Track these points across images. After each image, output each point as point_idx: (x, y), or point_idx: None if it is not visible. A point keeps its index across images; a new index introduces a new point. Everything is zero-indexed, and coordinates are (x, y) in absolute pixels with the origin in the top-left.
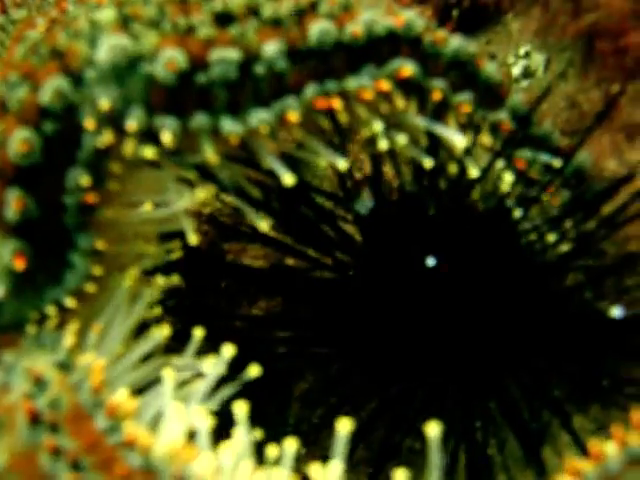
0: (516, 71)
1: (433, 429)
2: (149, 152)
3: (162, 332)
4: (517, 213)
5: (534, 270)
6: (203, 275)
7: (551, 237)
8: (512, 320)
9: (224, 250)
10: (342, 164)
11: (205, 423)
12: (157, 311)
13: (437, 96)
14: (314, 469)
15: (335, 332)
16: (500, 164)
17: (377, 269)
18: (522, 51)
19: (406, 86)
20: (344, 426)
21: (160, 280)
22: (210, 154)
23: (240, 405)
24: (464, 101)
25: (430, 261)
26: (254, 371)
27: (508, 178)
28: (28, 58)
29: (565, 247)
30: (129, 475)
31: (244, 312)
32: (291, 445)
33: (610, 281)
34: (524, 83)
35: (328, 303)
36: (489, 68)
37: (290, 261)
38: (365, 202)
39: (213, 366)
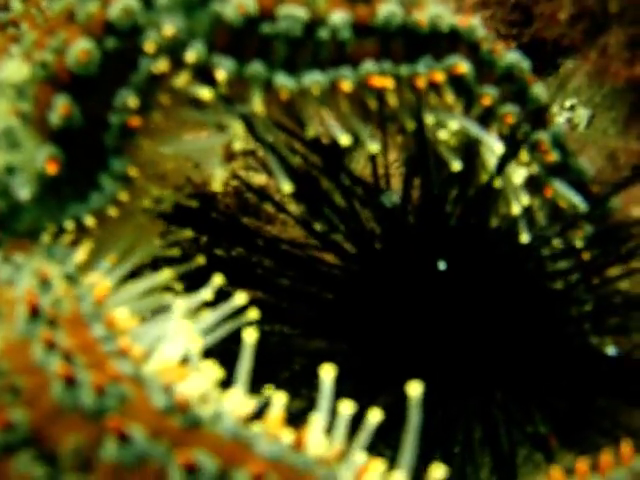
0: (559, 121)
1: (415, 389)
2: (202, 91)
3: (168, 273)
4: (525, 237)
5: (538, 295)
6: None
7: (561, 265)
8: (507, 340)
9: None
10: (373, 147)
11: (198, 348)
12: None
13: (487, 101)
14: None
15: (336, 320)
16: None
17: (389, 264)
18: (568, 103)
19: (457, 86)
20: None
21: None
22: (258, 104)
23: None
24: (510, 113)
25: (442, 265)
26: (240, 299)
27: (524, 200)
28: None
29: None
30: (117, 377)
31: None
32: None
33: (614, 320)
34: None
35: (336, 289)
36: (538, 89)
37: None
38: (391, 196)
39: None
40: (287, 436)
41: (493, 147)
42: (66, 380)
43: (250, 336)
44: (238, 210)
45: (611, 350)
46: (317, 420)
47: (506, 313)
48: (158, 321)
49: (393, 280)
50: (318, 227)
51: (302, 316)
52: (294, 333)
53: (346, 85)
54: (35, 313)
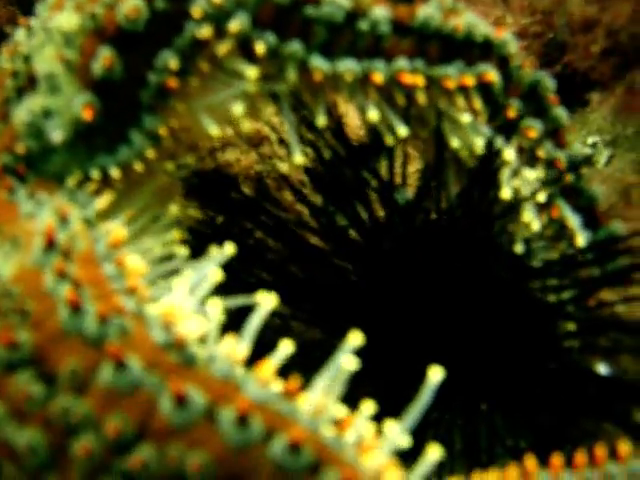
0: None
1: (435, 374)
2: (244, 66)
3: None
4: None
5: (534, 310)
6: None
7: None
8: (498, 349)
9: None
10: (403, 130)
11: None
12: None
13: (511, 113)
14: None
15: (335, 301)
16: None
17: (394, 260)
18: (590, 140)
19: (484, 95)
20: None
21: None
22: (292, 81)
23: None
24: (533, 127)
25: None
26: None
27: (528, 216)
28: None
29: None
30: (121, 310)
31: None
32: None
33: (606, 339)
34: (583, 170)
35: (341, 280)
36: (560, 110)
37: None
38: (405, 194)
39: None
40: (277, 385)
41: (506, 156)
42: (72, 306)
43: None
44: (257, 195)
45: (603, 369)
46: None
47: (501, 324)
48: (167, 274)
49: (395, 276)
50: (331, 219)
51: (306, 302)
52: (295, 316)
53: (378, 77)
54: (51, 245)
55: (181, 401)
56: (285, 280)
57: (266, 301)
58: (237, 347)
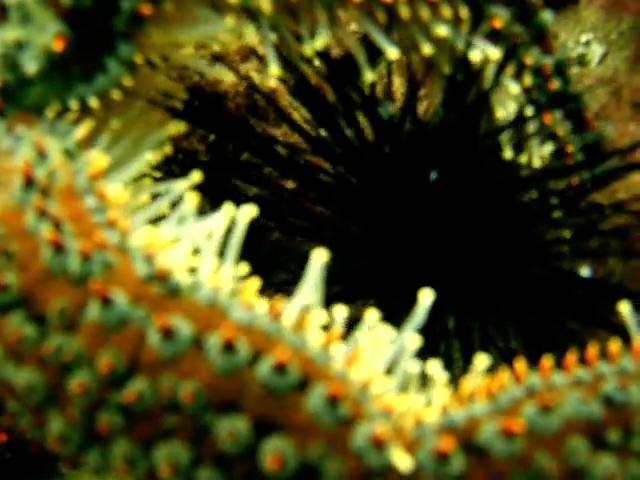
0: (572, 55)
1: (426, 295)
2: None
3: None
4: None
5: (520, 213)
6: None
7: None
8: (488, 257)
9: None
10: (393, 53)
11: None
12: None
13: (498, 24)
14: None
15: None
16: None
17: (383, 175)
18: (583, 38)
19: (468, 3)
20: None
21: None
22: (266, 3)
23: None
24: (518, 34)
25: (433, 175)
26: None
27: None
28: None
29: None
30: (103, 245)
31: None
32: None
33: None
34: (575, 69)
35: (331, 197)
36: (546, 15)
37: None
38: (388, 108)
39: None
40: (262, 305)
41: (489, 54)
42: (55, 246)
43: (245, 214)
44: (247, 111)
45: (585, 272)
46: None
47: (489, 229)
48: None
49: (385, 190)
50: (318, 133)
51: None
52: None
53: None
54: (29, 183)
55: (168, 333)
56: (276, 196)
57: (244, 212)
58: (221, 270)
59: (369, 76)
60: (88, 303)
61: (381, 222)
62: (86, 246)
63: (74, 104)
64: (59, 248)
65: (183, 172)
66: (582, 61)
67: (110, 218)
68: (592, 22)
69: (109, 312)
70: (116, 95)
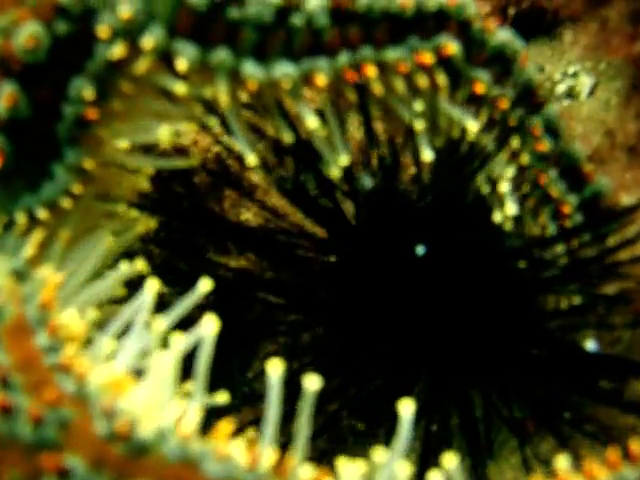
0: (560, 89)
1: (406, 408)
2: (171, 83)
3: (133, 267)
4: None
5: (519, 283)
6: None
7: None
8: (488, 330)
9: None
10: (344, 159)
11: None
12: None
13: (480, 89)
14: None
15: (315, 304)
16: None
17: (366, 249)
18: (571, 70)
19: (445, 68)
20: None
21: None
22: (223, 95)
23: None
24: (503, 96)
25: (420, 250)
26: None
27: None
28: None
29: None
30: (58, 399)
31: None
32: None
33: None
34: (565, 103)
35: (312, 274)
36: (531, 70)
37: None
38: (367, 180)
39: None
40: (237, 450)
41: (468, 126)
42: (3, 410)
43: (209, 326)
44: (219, 177)
45: (591, 345)
46: (267, 432)
47: (485, 298)
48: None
49: (370, 263)
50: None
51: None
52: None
53: (321, 80)
54: None
55: None
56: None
57: (207, 329)
58: (188, 412)
59: (335, 172)
60: (43, 477)
61: (370, 304)
62: (37, 408)
63: (21, 217)
64: (7, 412)
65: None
66: (571, 94)
67: (65, 359)
68: (578, 53)
69: None
70: (66, 203)
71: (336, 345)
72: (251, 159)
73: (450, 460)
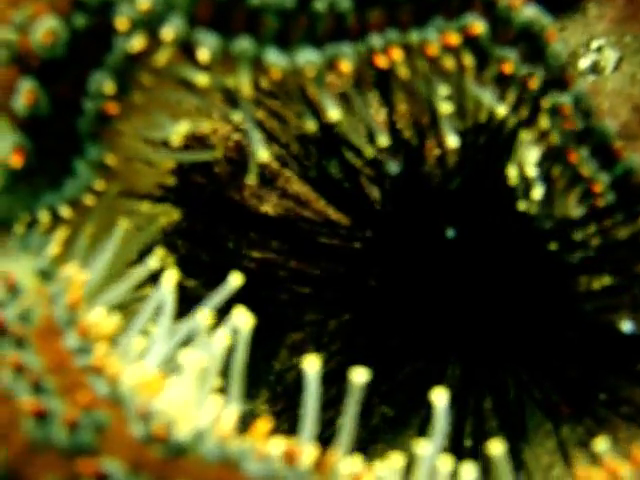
0: (584, 64)
1: (440, 397)
2: (192, 74)
3: (156, 262)
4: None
5: (552, 265)
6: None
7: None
8: (520, 312)
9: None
10: (383, 140)
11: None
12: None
13: (508, 69)
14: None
15: (341, 292)
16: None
17: (393, 233)
18: (595, 45)
19: (472, 48)
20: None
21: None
22: (246, 84)
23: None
24: (533, 75)
25: (450, 233)
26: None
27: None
28: None
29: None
30: (93, 403)
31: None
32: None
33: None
34: (590, 78)
35: (339, 259)
36: (559, 47)
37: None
38: (393, 165)
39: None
40: (276, 447)
41: (496, 110)
42: (36, 415)
43: (245, 324)
44: (240, 166)
45: (626, 326)
46: (306, 429)
47: (517, 281)
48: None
49: (398, 248)
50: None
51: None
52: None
53: (345, 66)
54: (1, 332)
55: None
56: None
57: (241, 322)
58: (226, 410)
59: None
60: None
61: (398, 290)
62: (72, 412)
63: (44, 215)
64: (42, 416)
65: None
66: (595, 69)
67: (96, 360)
68: (603, 27)
69: None
70: (88, 200)
71: (363, 332)
72: (262, 153)
73: (496, 447)
